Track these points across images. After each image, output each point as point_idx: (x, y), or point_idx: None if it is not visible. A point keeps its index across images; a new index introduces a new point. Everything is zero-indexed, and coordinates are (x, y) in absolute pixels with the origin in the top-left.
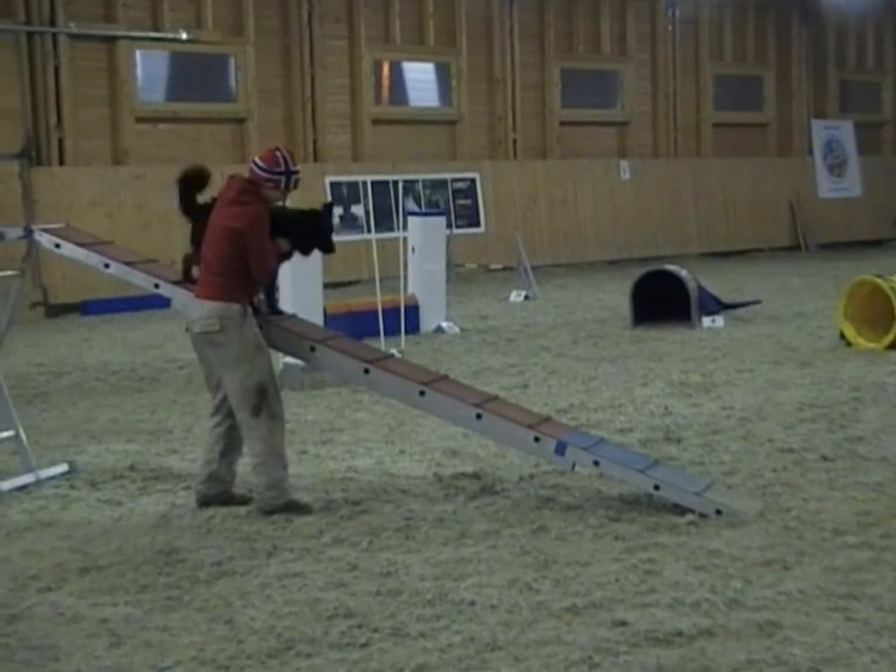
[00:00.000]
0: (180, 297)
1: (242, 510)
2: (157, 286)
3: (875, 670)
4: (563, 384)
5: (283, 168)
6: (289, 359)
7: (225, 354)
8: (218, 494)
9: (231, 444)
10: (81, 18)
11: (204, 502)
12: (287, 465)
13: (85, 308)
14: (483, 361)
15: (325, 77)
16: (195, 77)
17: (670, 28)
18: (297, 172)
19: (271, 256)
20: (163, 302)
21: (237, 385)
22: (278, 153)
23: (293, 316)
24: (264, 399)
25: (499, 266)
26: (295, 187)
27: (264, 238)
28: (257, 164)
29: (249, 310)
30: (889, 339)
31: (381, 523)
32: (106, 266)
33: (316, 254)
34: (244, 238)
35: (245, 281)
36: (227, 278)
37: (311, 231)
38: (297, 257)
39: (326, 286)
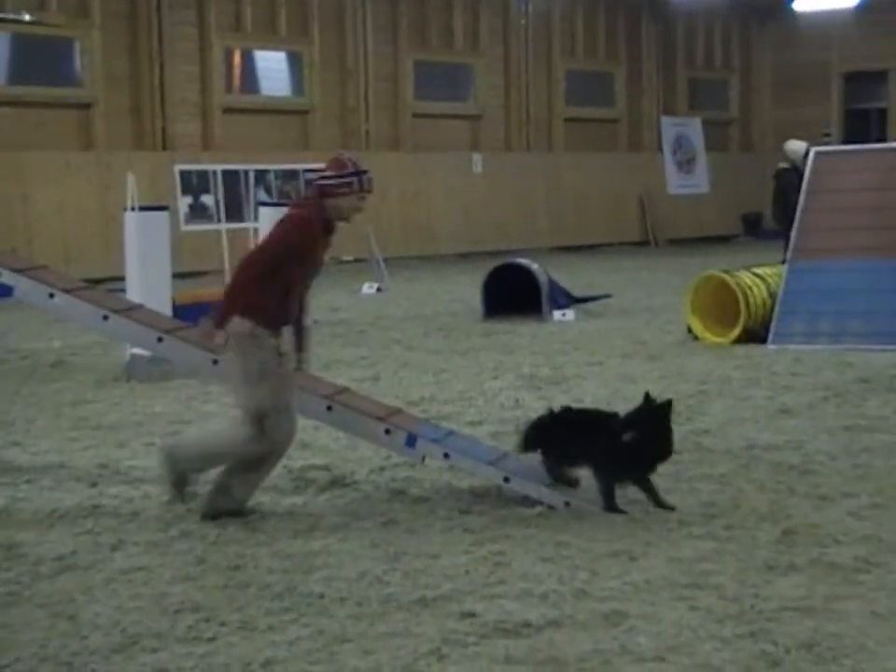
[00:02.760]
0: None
1: (86, 503)
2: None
3: (718, 657)
4: (414, 376)
5: (352, 168)
6: (137, 350)
7: (231, 370)
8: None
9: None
10: None
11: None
12: (253, 489)
13: None
14: (333, 353)
15: (174, 64)
16: (39, 60)
17: (523, 23)
18: (367, 171)
19: (271, 257)
20: (5, 291)
21: (241, 403)
22: (342, 156)
23: (140, 306)
24: (261, 426)
25: (351, 258)
26: (370, 189)
27: (284, 239)
28: (322, 175)
29: (263, 331)
30: (734, 333)
31: (229, 515)
32: None
33: (164, 242)
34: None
35: (269, 300)
36: (248, 294)
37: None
38: None
39: (175, 275)
